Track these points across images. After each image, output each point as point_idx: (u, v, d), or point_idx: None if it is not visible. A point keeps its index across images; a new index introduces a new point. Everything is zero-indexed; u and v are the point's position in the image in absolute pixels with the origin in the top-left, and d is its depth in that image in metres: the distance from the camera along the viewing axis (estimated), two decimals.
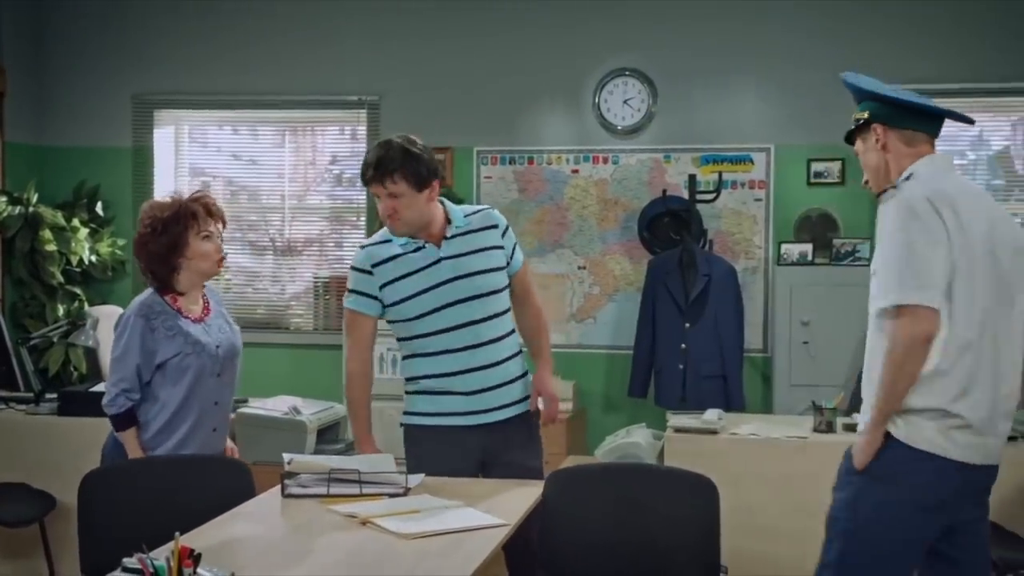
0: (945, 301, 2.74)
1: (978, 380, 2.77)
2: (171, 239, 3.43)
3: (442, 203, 3.48)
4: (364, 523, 2.85)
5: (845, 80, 3.08)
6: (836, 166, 6.25)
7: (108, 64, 6.81)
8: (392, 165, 3.32)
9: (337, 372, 6.17)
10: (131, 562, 2.19)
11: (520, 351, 3.57)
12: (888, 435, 2.80)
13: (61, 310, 6.40)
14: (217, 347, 3.51)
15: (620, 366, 6.22)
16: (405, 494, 3.12)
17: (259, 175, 7.03)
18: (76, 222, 6.52)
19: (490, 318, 3.45)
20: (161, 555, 2.11)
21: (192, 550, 2.06)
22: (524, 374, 3.55)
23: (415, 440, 3.51)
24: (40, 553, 4.49)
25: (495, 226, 3.51)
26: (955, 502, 2.82)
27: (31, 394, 4.74)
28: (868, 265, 5.95)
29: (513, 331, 3.54)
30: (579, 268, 6.45)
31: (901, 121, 2.94)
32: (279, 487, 3.15)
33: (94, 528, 3.06)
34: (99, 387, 4.79)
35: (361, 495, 3.09)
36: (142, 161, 6.84)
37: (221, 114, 6.93)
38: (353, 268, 3.48)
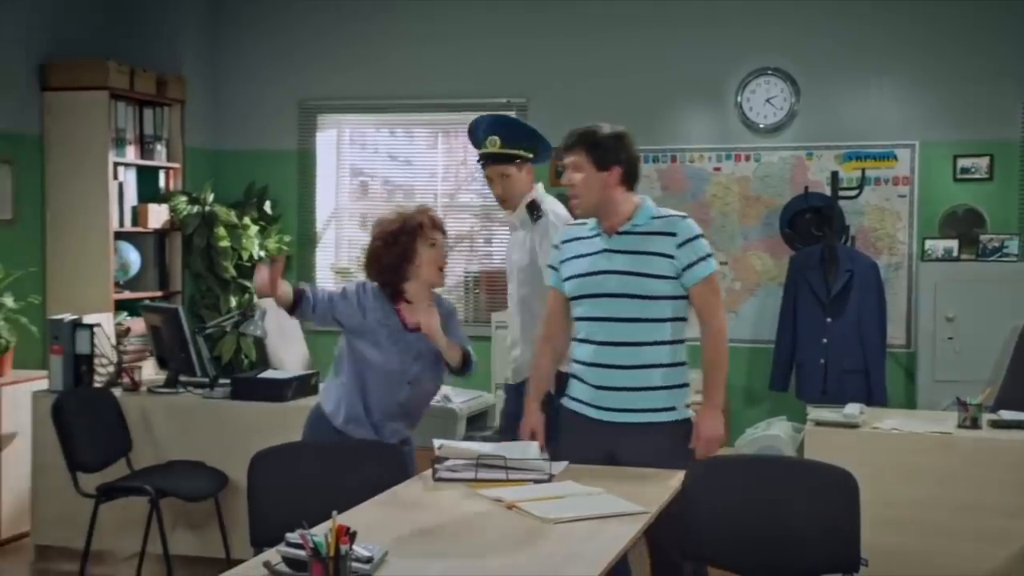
0: None
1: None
2: (401, 249, 3.51)
3: (642, 200, 3.44)
4: (510, 507, 2.87)
5: (519, 121, 4.30)
6: (984, 162, 6.01)
7: (276, 73, 7.03)
8: (574, 139, 3.40)
9: (485, 362, 6.24)
10: (293, 537, 2.26)
11: (677, 363, 3.40)
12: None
13: (233, 302, 6.63)
14: (415, 358, 3.56)
15: (762, 360, 6.11)
16: (549, 480, 3.13)
17: (414, 175, 7.14)
18: (247, 220, 6.74)
19: (637, 320, 3.35)
20: (320, 532, 2.16)
21: (348, 528, 2.11)
22: (675, 386, 3.40)
23: (562, 419, 3.53)
24: (216, 526, 4.65)
25: (673, 234, 3.35)
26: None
27: (206, 379, 4.93)
28: (1018, 261, 5.70)
29: (671, 342, 3.38)
30: (721, 264, 6.35)
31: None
32: (430, 471, 3.21)
33: (261, 504, 3.15)
34: (267, 373, 4.97)
35: (507, 480, 3.11)
36: (306, 162, 7.04)
37: (379, 117, 7.07)
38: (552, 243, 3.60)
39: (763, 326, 6.17)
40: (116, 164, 6.22)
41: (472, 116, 6.73)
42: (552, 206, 4.12)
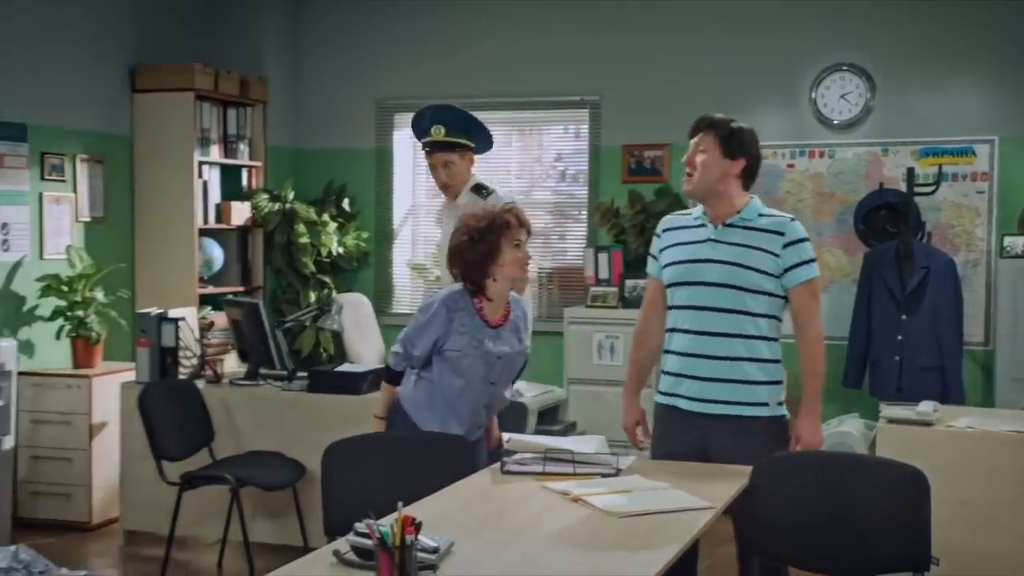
0: None
1: None
2: (487, 247, 3.46)
3: (751, 198, 3.41)
4: (576, 500, 2.87)
5: (462, 111, 4.38)
6: None
7: (355, 74, 7.10)
8: (707, 122, 3.40)
9: (558, 358, 6.25)
10: (361, 527, 2.29)
11: (772, 360, 3.35)
12: None
13: (313, 297, 6.72)
14: (498, 357, 3.52)
15: (834, 356, 5.98)
16: (616, 474, 3.12)
17: (489, 172, 7.06)
18: (326, 217, 6.82)
19: (736, 312, 3.30)
20: (388, 522, 2.18)
21: (414, 519, 2.13)
22: (770, 382, 3.35)
23: (655, 415, 3.49)
24: (294, 515, 4.73)
25: (780, 234, 3.31)
26: None
27: (285, 372, 5.00)
28: None
29: (767, 338, 3.34)
30: None
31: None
32: (498, 464, 3.22)
33: (334, 494, 3.18)
34: (344, 367, 5.03)
35: (575, 474, 3.11)
36: (383, 161, 7.10)
37: None
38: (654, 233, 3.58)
39: (836, 323, 6.05)
40: (201, 163, 6.35)
41: (547, 114, 6.90)
42: (498, 189, 4.38)
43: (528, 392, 4.90)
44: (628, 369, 3.63)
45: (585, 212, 6.76)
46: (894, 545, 2.99)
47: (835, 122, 6.21)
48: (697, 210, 3.47)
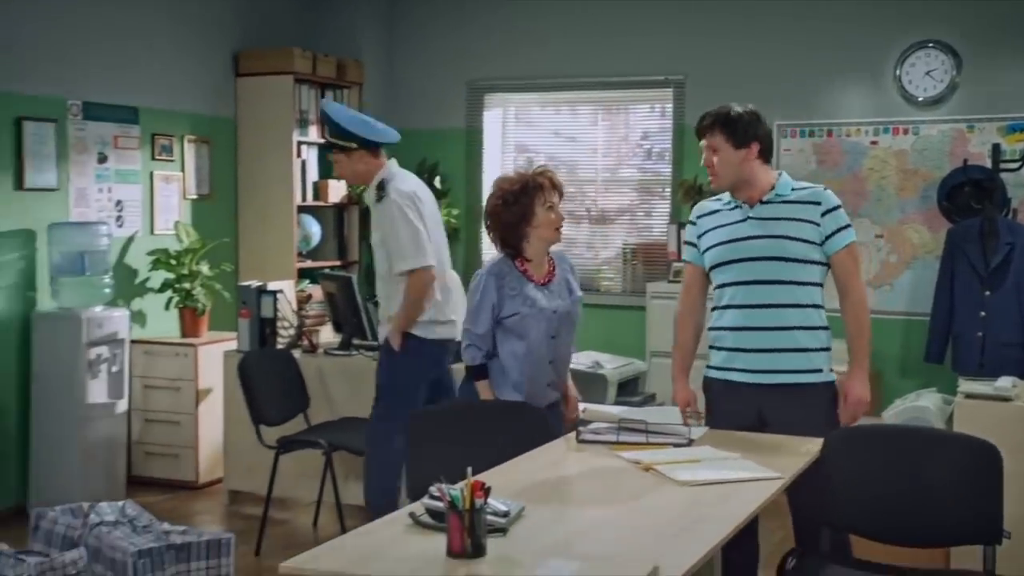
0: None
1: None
2: (521, 209, 3.50)
3: (780, 174, 3.42)
4: (647, 469, 2.88)
5: (329, 116, 4.33)
6: None
7: (446, 56, 7.14)
8: (709, 121, 3.38)
9: (640, 331, 6.23)
10: (434, 490, 2.34)
11: (821, 327, 3.35)
12: (408, 334, 4.25)
13: None
14: (554, 311, 3.55)
15: (917, 331, 5.88)
16: (688, 444, 3.13)
17: (576, 151, 7.15)
18: None
19: (785, 283, 3.31)
20: (460, 487, 2.22)
21: (483, 483, 2.17)
22: (821, 348, 3.34)
23: (707, 390, 3.50)
24: None
25: (817, 203, 3.33)
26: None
27: (376, 343, 5.08)
28: None
29: (814, 306, 3.34)
30: (876, 236, 6.13)
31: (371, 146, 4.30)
32: (574, 433, 3.24)
33: (418, 459, 3.24)
34: None
35: (647, 444, 3.12)
36: (474, 140, 7.14)
37: (543, 96, 7.10)
38: (688, 220, 3.58)
39: (919, 299, 5.93)
40: (300, 143, 6.47)
41: (633, 93, 6.86)
42: (399, 184, 4.22)
43: (608, 364, 4.91)
44: (675, 352, 3.60)
45: (669, 189, 6.71)
46: (966, 518, 2.95)
47: (920, 99, 6.04)
48: (727, 195, 3.45)
